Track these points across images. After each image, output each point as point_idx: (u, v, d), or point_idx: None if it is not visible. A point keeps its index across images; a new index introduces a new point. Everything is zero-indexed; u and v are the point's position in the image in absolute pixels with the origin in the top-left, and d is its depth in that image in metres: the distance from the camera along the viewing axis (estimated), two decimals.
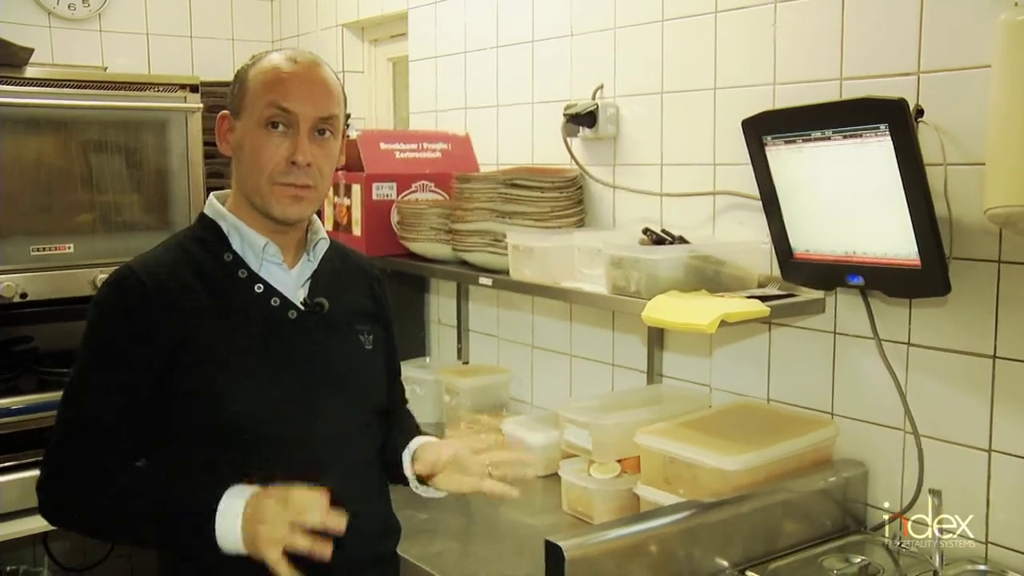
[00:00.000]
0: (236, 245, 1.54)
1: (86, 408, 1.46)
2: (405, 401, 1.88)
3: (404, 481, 1.71)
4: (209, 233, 1.56)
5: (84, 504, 1.46)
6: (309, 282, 1.60)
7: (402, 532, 1.73)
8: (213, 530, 1.37)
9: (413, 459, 1.67)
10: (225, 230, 1.55)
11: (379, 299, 1.75)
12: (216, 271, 1.52)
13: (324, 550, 1.32)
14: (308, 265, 1.60)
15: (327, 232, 1.68)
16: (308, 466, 1.50)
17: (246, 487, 1.41)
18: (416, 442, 1.71)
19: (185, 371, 1.46)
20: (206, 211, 1.59)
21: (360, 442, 1.64)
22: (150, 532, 1.45)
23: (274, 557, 1.32)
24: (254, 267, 1.54)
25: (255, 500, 1.38)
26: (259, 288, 1.53)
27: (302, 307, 1.56)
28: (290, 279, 1.57)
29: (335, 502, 1.37)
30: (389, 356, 1.75)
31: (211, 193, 1.61)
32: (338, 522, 1.34)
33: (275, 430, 1.49)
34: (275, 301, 1.54)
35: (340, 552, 1.42)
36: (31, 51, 2.75)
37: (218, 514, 1.37)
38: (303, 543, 1.32)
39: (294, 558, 1.35)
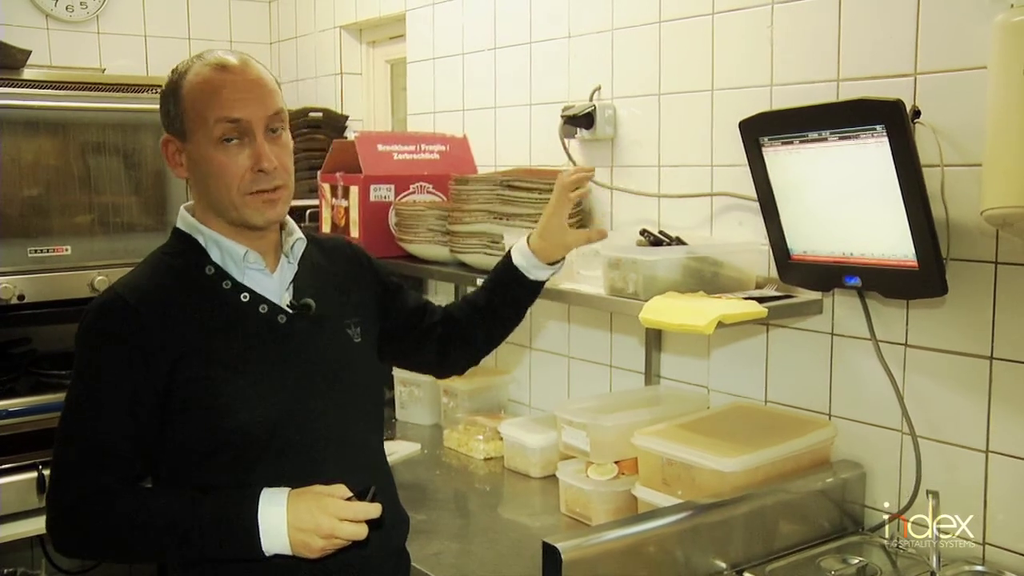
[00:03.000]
0: (216, 257, 1.53)
1: (90, 438, 1.45)
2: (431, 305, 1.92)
3: (515, 296, 1.88)
4: (187, 248, 1.54)
5: (105, 534, 1.45)
6: (292, 284, 1.60)
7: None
8: (259, 540, 1.39)
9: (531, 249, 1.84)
10: (203, 243, 1.54)
11: (369, 280, 1.76)
12: (201, 285, 1.52)
13: (362, 532, 1.42)
14: (289, 267, 1.60)
15: (319, 230, 1.68)
16: (314, 466, 1.51)
17: (276, 491, 1.43)
18: (519, 247, 1.87)
19: (184, 388, 1.45)
20: (180, 226, 1.57)
21: (363, 436, 1.65)
22: (177, 550, 1.44)
23: (324, 547, 1.41)
24: (237, 277, 1.53)
25: (294, 506, 1.41)
26: (245, 297, 1.53)
27: (290, 310, 1.56)
28: (274, 284, 1.57)
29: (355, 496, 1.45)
30: (391, 311, 1.78)
31: (182, 207, 1.59)
32: (374, 511, 1.42)
33: (278, 435, 1.49)
34: (263, 308, 1.54)
35: (358, 547, 1.46)
36: (29, 53, 2.75)
37: (260, 524, 1.39)
38: (348, 532, 1.40)
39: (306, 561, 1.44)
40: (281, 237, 1.61)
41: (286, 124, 1.56)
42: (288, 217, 1.62)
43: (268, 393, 1.50)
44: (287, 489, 1.43)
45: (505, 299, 1.89)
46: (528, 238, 1.86)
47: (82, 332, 1.49)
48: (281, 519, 1.40)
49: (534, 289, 1.88)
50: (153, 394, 1.45)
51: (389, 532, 1.60)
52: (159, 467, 1.51)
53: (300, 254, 1.61)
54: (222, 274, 1.53)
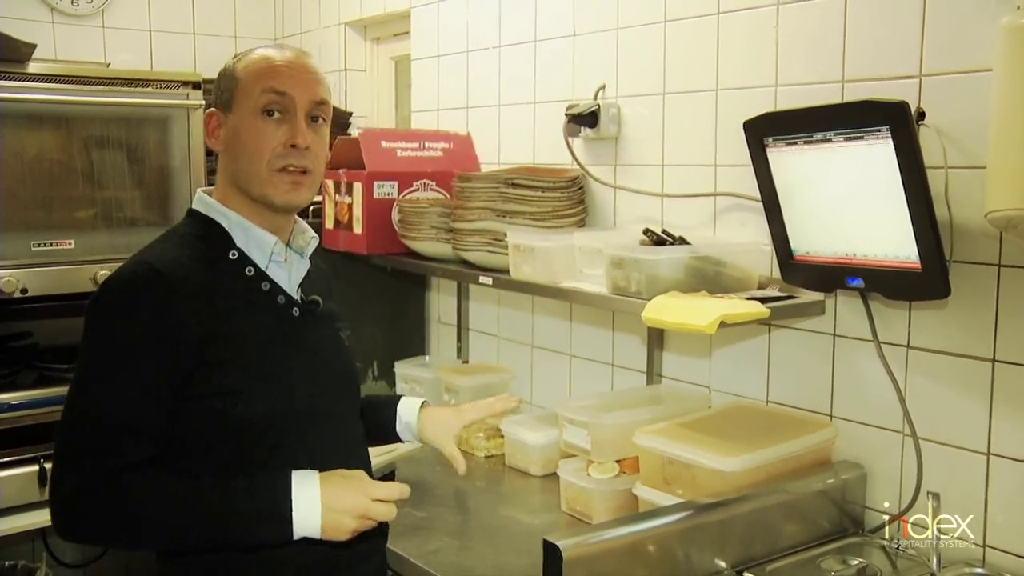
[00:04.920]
0: (240, 242, 1.53)
1: (109, 415, 1.40)
2: None
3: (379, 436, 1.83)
4: (209, 230, 1.54)
5: (121, 518, 1.39)
6: (304, 278, 1.61)
7: (399, 528, 1.75)
8: (290, 522, 1.38)
9: (419, 428, 1.82)
10: (227, 227, 1.53)
11: (333, 297, 1.76)
12: (224, 269, 1.51)
13: (392, 512, 1.45)
14: (301, 263, 1.61)
15: (322, 227, 1.69)
16: (319, 459, 1.50)
17: (307, 473, 1.42)
18: (406, 406, 1.83)
19: (207, 370, 1.43)
20: (199, 208, 1.56)
21: (357, 433, 1.67)
22: (199, 535, 1.40)
23: (356, 528, 1.43)
24: (261, 264, 1.54)
25: (328, 487, 1.41)
26: (266, 286, 1.54)
27: (301, 304, 1.57)
28: (286, 276, 1.58)
29: None
30: None
31: (199, 189, 1.59)
32: (405, 491, 1.45)
33: (291, 426, 1.50)
34: (280, 299, 1.55)
35: (378, 532, 1.50)
36: (34, 47, 2.75)
37: (294, 506, 1.38)
38: (380, 512, 1.43)
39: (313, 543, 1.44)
40: (291, 231, 1.62)
41: (328, 121, 1.58)
42: (297, 216, 1.63)
43: (280, 384, 1.50)
44: (316, 471, 1.43)
45: (374, 423, 1.82)
46: (423, 405, 1.85)
47: (106, 303, 1.44)
48: (315, 500, 1.39)
49: (392, 438, 1.87)
50: (176, 373, 1.41)
51: (377, 528, 1.61)
52: (171, 450, 1.46)
53: (310, 252, 1.63)
54: (245, 260, 1.53)
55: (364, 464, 1.64)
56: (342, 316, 1.72)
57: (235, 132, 1.52)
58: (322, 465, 1.47)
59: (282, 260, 1.57)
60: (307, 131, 1.52)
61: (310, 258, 1.66)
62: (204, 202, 1.56)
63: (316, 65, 1.58)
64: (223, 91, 1.55)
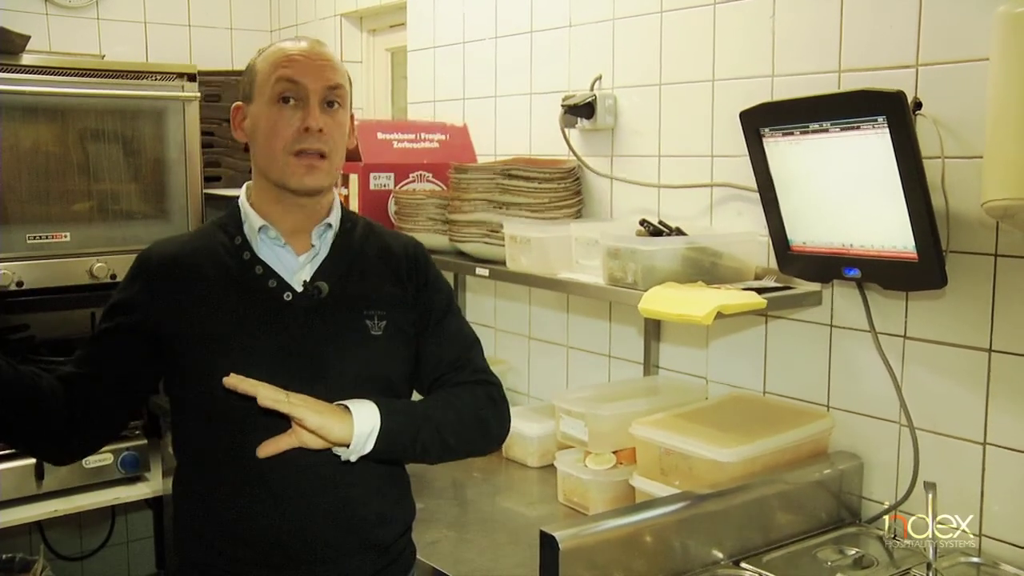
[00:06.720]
0: (246, 228, 1.60)
1: (73, 361, 1.57)
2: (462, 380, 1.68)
3: None
4: (231, 218, 1.63)
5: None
6: (321, 266, 1.60)
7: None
8: None
9: None
10: (242, 215, 1.62)
11: (406, 282, 1.68)
12: (226, 254, 1.58)
13: None
14: (313, 250, 1.61)
15: (367, 216, 1.71)
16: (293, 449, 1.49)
17: None
18: None
19: (178, 348, 1.53)
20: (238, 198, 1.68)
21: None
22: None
23: None
24: (256, 250, 1.58)
25: None
26: (259, 270, 1.57)
27: (299, 290, 1.56)
28: (297, 263, 1.59)
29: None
30: (421, 337, 1.67)
31: (245, 184, 1.68)
32: None
33: (260, 410, 1.48)
34: (272, 283, 1.56)
35: (324, 537, 1.49)
36: (28, 38, 2.74)
37: None
38: None
39: (282, 543, 1.48)
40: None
41: (346, 105, 1.62)
42: (338, 204, 1.66)
43: (252, 367, 1.47)
44: None
45: None
46: None
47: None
48: None
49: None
50: (138, 340, 1.54)
51: (373, 526, 1.58)
52: (176, 427, 1.63)
53: (331, 239, 1.62)
54: (246, 245, 1.59)
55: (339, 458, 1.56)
56: (396, 303, 1.63)
57: (255, 122, 1.60)
58: (287, 453, 1.46)
59: (283, 244, 1.59)
60: (321, 115, 1.56)
61: (355, 246, 1.64)
62: (241, 192, 1.66)
63: (332, 52, 1.63)
64: (245, 83, 1.62)
